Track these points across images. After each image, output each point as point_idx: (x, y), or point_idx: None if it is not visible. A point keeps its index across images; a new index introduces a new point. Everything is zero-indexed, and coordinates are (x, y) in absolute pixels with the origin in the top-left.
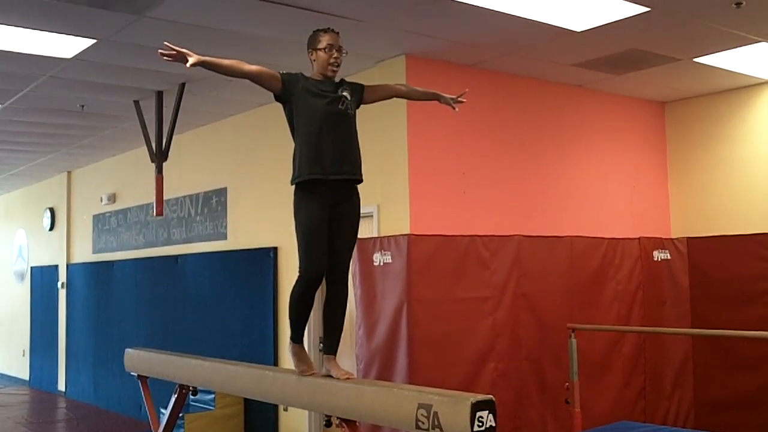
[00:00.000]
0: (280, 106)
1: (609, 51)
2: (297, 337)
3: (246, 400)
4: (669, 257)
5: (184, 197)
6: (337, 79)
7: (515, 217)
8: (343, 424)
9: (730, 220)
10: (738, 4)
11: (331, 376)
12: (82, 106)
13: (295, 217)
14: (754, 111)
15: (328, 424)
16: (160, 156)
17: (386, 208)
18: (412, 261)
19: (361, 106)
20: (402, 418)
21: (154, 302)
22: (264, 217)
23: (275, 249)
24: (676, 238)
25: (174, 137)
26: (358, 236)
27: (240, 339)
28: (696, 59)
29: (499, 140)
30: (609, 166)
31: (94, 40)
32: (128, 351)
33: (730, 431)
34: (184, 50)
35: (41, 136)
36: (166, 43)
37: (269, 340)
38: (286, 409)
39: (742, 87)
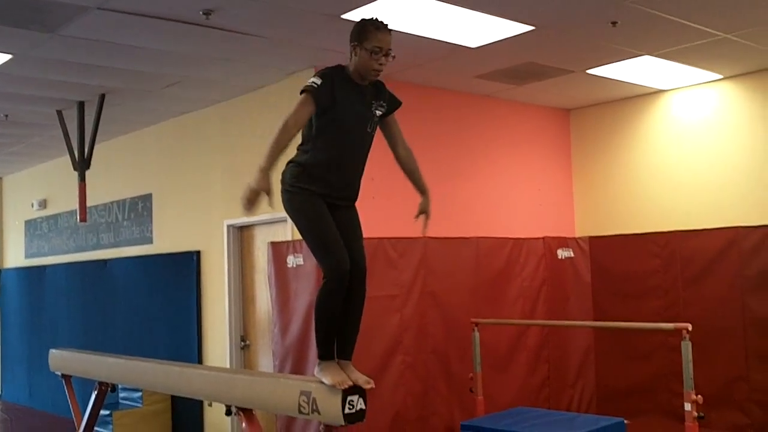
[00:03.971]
0: (201, 115)
1: (506, 64)
2: (328, 353)
3: (173, 397)
4: (572, 255)
5: (112, 203)
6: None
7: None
8: (240, 413)
9: (629, 220)
10: (614, 23)
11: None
12: (6, 116)
13: (297, 214)
14: (648, 118)
15: (228, 412)
16: (82, 164)
17: None
18: None
19: None
20: (287, 404)
21: (85, 305)
22: (187, 222)
23: (198, 252)
24: (580, 237)
25: (101, 144)
26: (273, 240)
27: (166, 339)
28: (588, 71)
29: None
30: (516, 171)
31: (10, 55)
32: (53, 351)
33: (628, 416)
34: (253, 186)
35: None
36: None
37: (193, 339)
38: (210, 405)
39: (637, 96)
